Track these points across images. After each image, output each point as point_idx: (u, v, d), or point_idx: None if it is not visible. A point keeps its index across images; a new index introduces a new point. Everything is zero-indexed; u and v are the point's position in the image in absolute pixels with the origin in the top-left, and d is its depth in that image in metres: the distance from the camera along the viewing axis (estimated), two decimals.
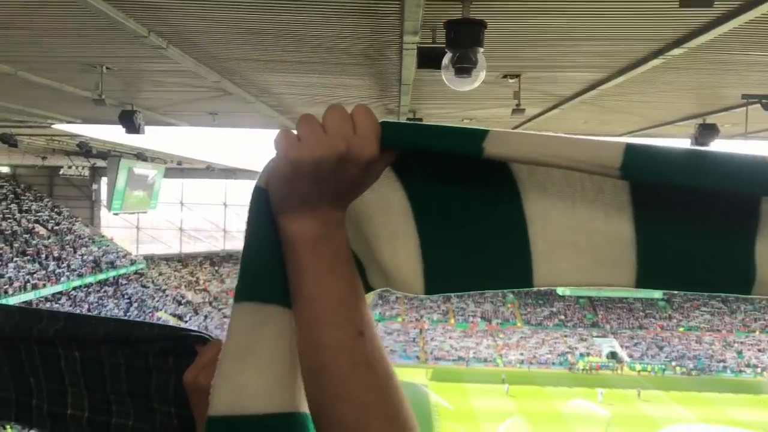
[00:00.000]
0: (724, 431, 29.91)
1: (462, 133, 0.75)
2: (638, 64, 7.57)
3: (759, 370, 41.45)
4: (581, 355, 43.79)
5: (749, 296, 0.82)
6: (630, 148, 0.70)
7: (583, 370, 41.64)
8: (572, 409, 31.80)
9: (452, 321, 48.72)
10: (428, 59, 6.17)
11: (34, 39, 7.18)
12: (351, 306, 0.76)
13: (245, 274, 0.80)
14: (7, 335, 1.14)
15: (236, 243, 50.11)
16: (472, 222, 0.84)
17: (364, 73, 8.93)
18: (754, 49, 6.94)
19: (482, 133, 0.74)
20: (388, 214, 0.85)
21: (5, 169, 40.75)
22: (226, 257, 49.56)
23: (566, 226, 0.82)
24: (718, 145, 11.94)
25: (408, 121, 0.75)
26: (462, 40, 5.41)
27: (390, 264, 0.86)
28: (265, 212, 0.78)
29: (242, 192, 48.16)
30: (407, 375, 39.71)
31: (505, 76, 8.69)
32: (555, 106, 11.08)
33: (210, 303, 45.11)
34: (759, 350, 43.73)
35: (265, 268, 0.79)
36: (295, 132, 0.73)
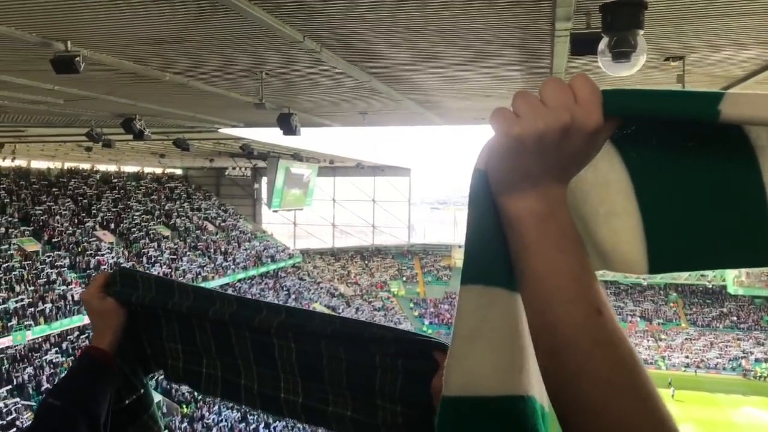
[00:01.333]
0: None
1: (694, 95, 0.70)
2: None
3: None
4: (757, 360, 39.82)
5: None
6: None
7: (760, 377, 37.86)
8: (745, 419, 29.08)
9: None
10: (583, 45, 5.89)
11: (201, 50, 7.79)
12: (584, 284, 0.72)
13: (469, 257, 0.80)
14: (225, 321, 1.23)
15: (384, 237, 51.38)
16: (702, 194, 0.78)
17: (516, 64, 8.71)
18: None
19: (718, 96, 0.68)
20: (606, 191, 0.81)
21: (179, 171, 44.94)
22: (375, 252, 51.01)
23: None
24: None
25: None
26: (619, 23, 5.09)
27: (608, 244, 0.82)
28: (485, 194, 0.77)
29: (390, 188, 49.30)
30: None
31: (667, 59, 8.08)
32: (725, 89, 10.12)
33: (361, 296, 46.67)
34: None
35: (487, 250, 0.79)
36: (511, 109, 0.71)
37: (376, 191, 49.36)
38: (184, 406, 25.16)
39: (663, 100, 0.71)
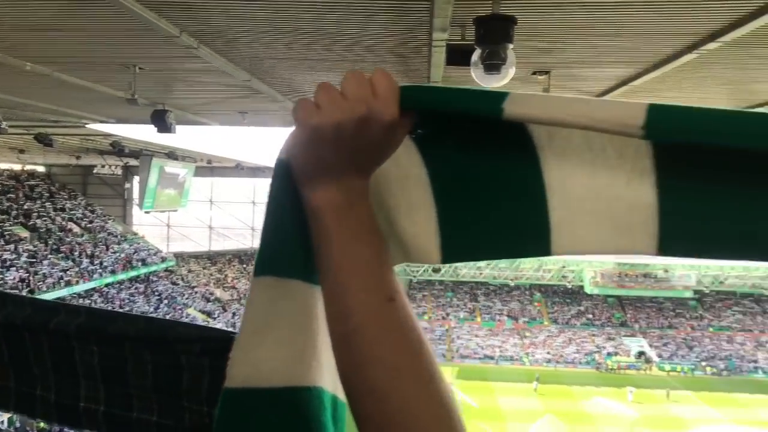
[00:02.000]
0: (752, 431, 29.37)
1: (481, 94, 0.75)
2: (671, 59, 7.47)
3: None
4: (609, 354, 43.29)
5: None
6: (653, 107, 0.68)
7: (610, 369, 41.17)
8: (595, 408, 31.47)
9: (478, 319, 48.53)
10: (457, 56, 6.17)
11: (69, 40, 7.33)
12: (379, 273, 0.75)
13: (266, 248, 0.81)
14: (18, 326, 1.14)
15: None
16: (490, 189, 0.83)
17: (393, 71, 8.91)
18: None
19: (502, 95, 0.73)
20: (406, 185, 0.85)
21: (41, 169, 41.66)
22: (254, 255, 49.96)
23: (587, 193, 0.80)
24: None
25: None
26: (491, 37, 5.40)
27: (408, 234, 0.86)
28: (287, 185, 0.78)
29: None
30: None
31: (534, 73, 8.64)
32: None
33: (238, 300, 45.56)
34: None
35: (285, 242, 0.80)
36: (313, 100, 0.74)
37: (257, 193, 48.45)
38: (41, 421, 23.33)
39: (454, 96, 0.75)
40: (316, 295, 0.79)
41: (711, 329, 45.79)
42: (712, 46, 6.69)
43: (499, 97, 0.73)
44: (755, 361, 42.12)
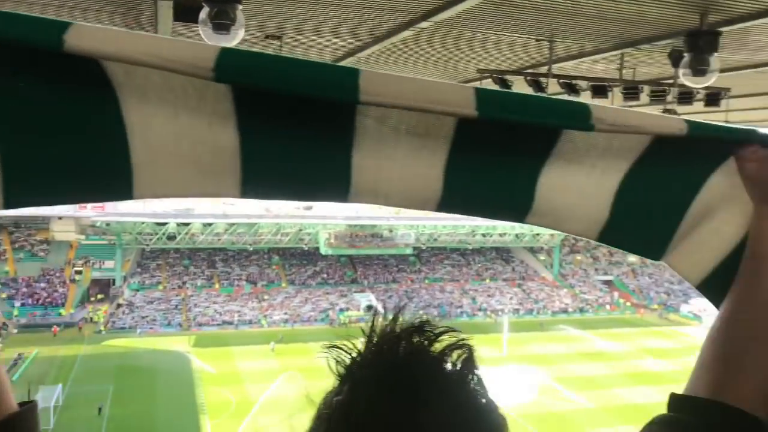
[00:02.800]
0: None
1: (37, 21, 0.70)
2: (391, 34, 8.05)
3: (489, 312, 47.70)
4: (341, 310, 46.17)
5: (522, 223, 1.00)
6: (225, 51, 0.72)
7: (342, 324, 43.96)
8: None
9: (217, 286, 47.92)
10: (185, 13, 5.90)
11: None
12: None
13: None
14: None
15: None
16: (64, 129, 0.78)
17: (120, 23, 8.22)
18: (489, 27, 7.81)
19: (64, 25, 0.69)
20: None
21: None
22: None
23: (169, 135, 0.79)
24: None
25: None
26: None
27: None
28: None
29: None
30: (168, 343, 38.32)
31: (267, 37, 8.64)
32: None
33: None
34: (489, 296, 50.28)
35: None
36: None
37: None
38: None
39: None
40: None
41: (427, 281, 51.54)
42: (425, 24, 7.37)
43: (59, 26, 0.69)
44: (461, 307, 48.62)
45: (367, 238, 49.67)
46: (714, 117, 12.79)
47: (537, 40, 8.36)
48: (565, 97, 9.48)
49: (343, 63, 10.16)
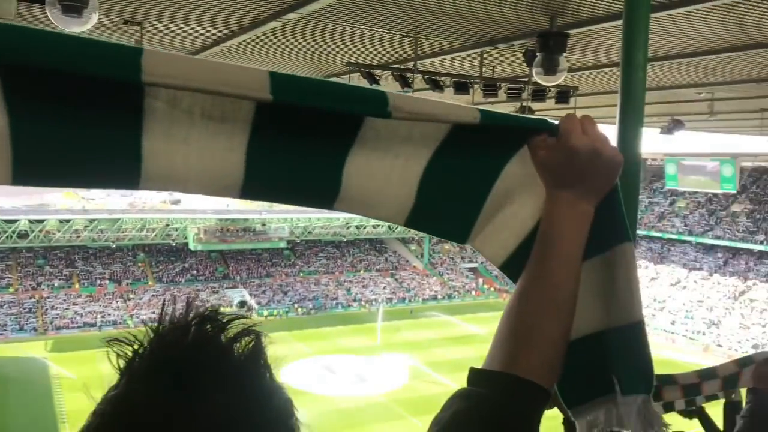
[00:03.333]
0: (334, 358, 34.50)
1: (111, 50, 0.75)
2: (258, 24, 7.95)
3: (363, 302, 48.43)
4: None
5: (331, 209, 1.02)
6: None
7: None
8: None
9: (77, 286, 44.81)
10: None
11: None
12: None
13: None
14: None
15: None
16: (82, 118, 0.82)
17: None
18: (355, 21, 7.92)
19: (138, 54, 0.75)
20: None
21: None
22: None
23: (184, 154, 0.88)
24: None
25: None
26: None
27: None
28: None
29: None
30: (21, 350, 35.40)
31: (125, 23, 8.22)
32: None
33: None
34: (363, 286, 51.02)
35: None
36: None
37: None
38: None
39: (75, 48, 0.74)
40: None
41: (302, 274, 51.32)
42: (292, 15, 7.35)
43: (134, 56, 0.75)
44: (336, 298, 48.94)
45: (239, 233, 48.57)
46: (564, 113, 13.79)
47: (403, 36, 8.60)
48: (429, 93, 9.85)
49: (209, 52, 9.88)
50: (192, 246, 47.09)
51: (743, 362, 2.91)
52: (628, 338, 1.12)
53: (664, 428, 1.14)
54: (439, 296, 51.46)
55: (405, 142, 0.97)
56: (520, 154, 1.04)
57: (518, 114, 1.10)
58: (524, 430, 0.90)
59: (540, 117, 1.11)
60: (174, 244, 48.05)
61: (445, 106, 0.92)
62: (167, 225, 47.01)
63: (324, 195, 0.99)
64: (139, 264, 48.23)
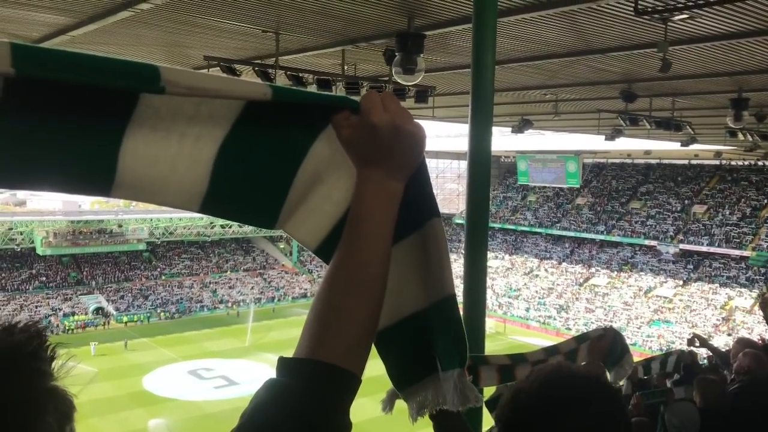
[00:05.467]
0: (201, 363, 33.40)
1: (133, 69, 0.81)
2: (108, 13, 7.52)
3: (230, 304, 47.21)
4: (66, 315, 41.76)
5: (109, 197, 0.99)
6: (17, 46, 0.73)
7: (69, 330, 39.82)
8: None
9: None
10: None
11: None
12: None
13: None
14: None
15: None
16: (69, 130, 0.84)
17: None
18: (213, 14, 7.71)
19: (155, 69, 0.80)
20: None
21: None
22: None
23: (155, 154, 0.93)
24: None
25: None
26: None
27: None
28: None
29: None
30: None
31: None
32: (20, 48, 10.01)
33: None
34: (230, 287, 49.74)
35: None
36: None
37: None
38: None
39: (106, 67, 0.78)
40: None
41: (164, 277, 49.05)
42: (145, 6, 7.03)
43: (154, 72, 0.79)
44: (201, 301, 47.30)
45: (93, 235, 45.51)
46: (423, 112, 14.33)
47: (263, 31, 8.51)
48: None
49: (54, 41, 9.19)
50: (40, 251, 43.50)
51: (580, 339, 3.22)
52: (443, 313, 1.15)
53: (478, 402, 1.19)
54: (309, 294, 51.34)
55: (192, 121, 0.91)
56: (327, 132, 0.99)
57: (316, 91, 1.12)
58: (327, 417, 0.86)
59: (342, 95, 1.07)
60: (19, 249, 44.12)
61: (231, 81, 0.86)
62: (10, 228, 43.09)
63: (98, 182, 0.90)
64: None
